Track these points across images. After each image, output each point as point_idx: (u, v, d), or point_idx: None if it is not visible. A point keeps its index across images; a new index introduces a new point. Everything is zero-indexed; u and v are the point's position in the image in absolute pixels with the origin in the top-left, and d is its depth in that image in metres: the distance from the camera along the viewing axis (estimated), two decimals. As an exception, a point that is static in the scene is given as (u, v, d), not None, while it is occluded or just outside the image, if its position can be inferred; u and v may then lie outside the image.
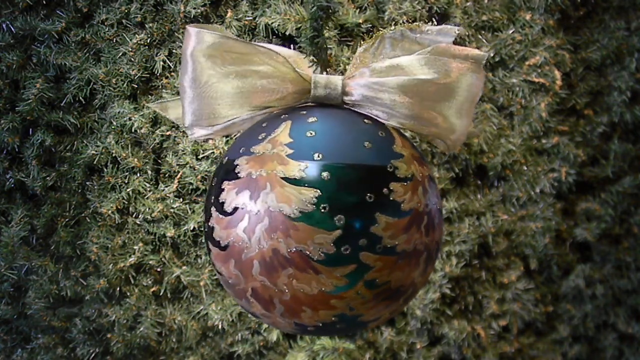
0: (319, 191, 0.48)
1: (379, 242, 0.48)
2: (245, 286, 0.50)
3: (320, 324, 0.51)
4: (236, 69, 0.51)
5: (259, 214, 0.48)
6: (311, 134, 0.50)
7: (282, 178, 0.48)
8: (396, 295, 0.52)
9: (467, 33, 0.81)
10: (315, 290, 0.49)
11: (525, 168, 0.86)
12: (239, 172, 0.50)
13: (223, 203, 0.50)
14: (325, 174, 0.48)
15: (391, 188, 0.49)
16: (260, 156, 0.49)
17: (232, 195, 0.49)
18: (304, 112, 0.52)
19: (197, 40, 0.50)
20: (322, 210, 0.47)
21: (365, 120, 0.53)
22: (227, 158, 0.52)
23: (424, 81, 0.51)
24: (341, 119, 0.53)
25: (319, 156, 0.49)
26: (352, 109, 0.54)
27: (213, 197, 0.51)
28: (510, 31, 0.82)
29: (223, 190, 0.50)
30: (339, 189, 0.48)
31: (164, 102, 0.61)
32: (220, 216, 0.50)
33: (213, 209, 0.51)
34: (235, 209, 0.49)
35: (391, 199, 0.49)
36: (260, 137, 0.51)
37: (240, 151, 0.51)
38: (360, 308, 0.51)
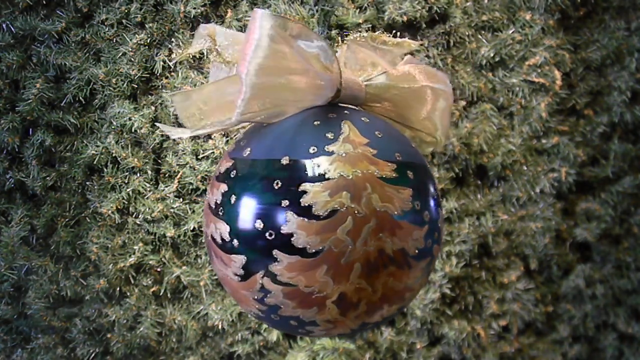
0: (411, 190, 0.49)
1: (440, 234, 0.53)
2: (330, 292, 0.48)
3: (382, 319, 0.52)
4: (286, 63, 0.48)
5: (364, 214, 0.47)
6: (379, 134, 0.51)
7: (379, 178, 0.48)
8: None
9: (467, 33, 0.81)
10: (402, 286, 0.50)
11: (525, 168, 0.86)
12: (325, 173, 0.48)
13: (311, 207, 0.47)
14: (410, 173, 0.50)
15: (436, 184, 0.54)
16: (345, 156, 0.48)
17: (325, 197, 0.47)
18: (347, 112, 0.53)
19: (261, 24, 0.47)
20: (417, 208, 0.49)
21: (388, 121, 0.56)
22: (287, 158, 0.48)
23: (423, 86, 0.56)
24: (380, 120, 0.54)
25: (399, 156, 0.50)
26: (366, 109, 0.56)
27: (287, 202, 0.47)
28: (510, 31, 0.82)
29: (306, 193, 0.47)
30: (422, 187, 0.51)
31: (185, 92, 0.55)
32: (309, 221, 0.47)
33: (290, 214, 0.46)
34: (334, 211, 0.47)
35: (437, 194, 0.53)
36: (329, 137, 0.49)
37: (311, 151, 0.48)
38: (415, 297, 0.54)
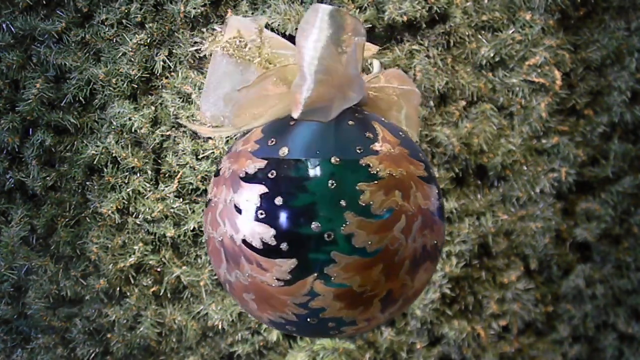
0: (436, 187, 0.52)
1: None
2: (380, 290, 0.48)
3: (403, 312, 0.55)
4: (337, 62, 0.49)
5: (414, 212, 0.48)
6: (402, 134, 0.53)
7: (418, 177, 0.50)
8: None
9: (467, 33, 0.81)
10: (427, 280, 0.53)
11: (525, 168, 0.86)
12: (377, 173, 0.48)
13: (369, 206, 0.47)
14: (432, 171, 0.53)
15: None
16: (389, 155, 0.49)
17: (381, 197, 0.47)
18: (367, 113, 0.54)
19: (322, 19, 0.48)
20: (441, 205, 0.52)
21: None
22: (336, 158, 0.48)
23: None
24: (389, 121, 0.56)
25: (422, 155, 0.52)
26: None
27: (345, 202, 0.46)
28: (510, 31, 0.81)
29: (362, 192, 0.47)
30: (438, 185, 0.53)
31: (246, 87, 0.53)
32: (368, 220, 0.47)
33: (350, 214, 0.46)
34: (390, 210, 0.47)
35: None
36: (369, 136, 0.50)
37: (358, 150, 0.48)
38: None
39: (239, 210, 0.48)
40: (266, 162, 0.48)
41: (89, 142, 0.79)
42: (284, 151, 0.48)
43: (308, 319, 0.49)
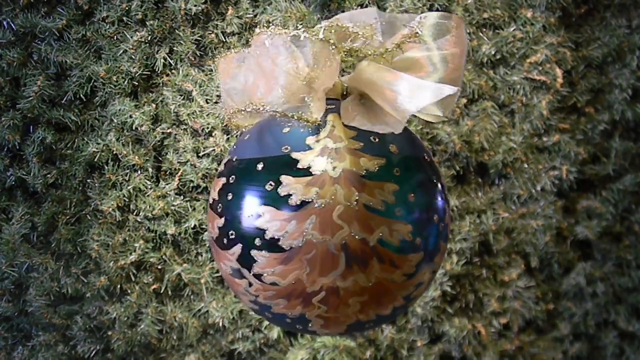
0: None
1: None
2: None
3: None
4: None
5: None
6: None
7: None
8: None
9: (468, 30, 0.81)
10: None
11: (526, 166, 0.86)
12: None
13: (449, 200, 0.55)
14: None
15: None
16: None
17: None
18: None
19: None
20: None
21: None
22: (426, 156, 0.52)
23: None
24: None
25: None
26: None
27: (439, 197, 0.49)
28: (512, 29, 0.81)
29: (443, 186, 0.52)
30: None
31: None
32: (450, 213, 0.54)
33: (447, 206, 0.51)
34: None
35: None
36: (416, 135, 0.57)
37: (425, 153, 0.53)
38: None
39: (372, 210, 0.45)
40: (384, 159, 0.47)
41: (89, 139, 0.79)
42: (394, 149, 0.48)
43: (398, 310, 0.51)
